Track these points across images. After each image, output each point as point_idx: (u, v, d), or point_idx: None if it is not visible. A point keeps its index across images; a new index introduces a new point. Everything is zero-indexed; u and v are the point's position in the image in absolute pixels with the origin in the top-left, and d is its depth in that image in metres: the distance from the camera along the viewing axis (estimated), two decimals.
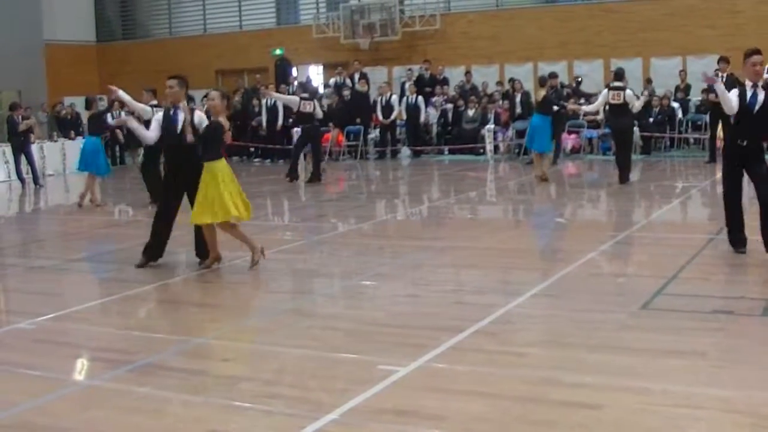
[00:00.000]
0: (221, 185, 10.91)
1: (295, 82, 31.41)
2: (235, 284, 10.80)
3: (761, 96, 10.60)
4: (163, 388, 6.70)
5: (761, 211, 10.63)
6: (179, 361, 7.51)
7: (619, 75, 19.94)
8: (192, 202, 11.37)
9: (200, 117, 11.50)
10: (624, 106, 19.36)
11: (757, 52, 10.67)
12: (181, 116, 11.43)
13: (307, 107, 22.19)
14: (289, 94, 28.77)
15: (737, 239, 10.95)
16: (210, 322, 9.09)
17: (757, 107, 10.61)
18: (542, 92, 20.91)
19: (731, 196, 10.98)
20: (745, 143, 10.67)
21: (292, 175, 22.55)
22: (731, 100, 10.68)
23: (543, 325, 8.38)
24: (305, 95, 22.86)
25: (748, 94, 10.66)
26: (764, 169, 10.68)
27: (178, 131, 11.40)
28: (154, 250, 11.63)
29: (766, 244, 10.57)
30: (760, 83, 10.67)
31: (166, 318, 9.42)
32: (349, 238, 14.23)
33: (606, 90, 19.93)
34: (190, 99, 20.91)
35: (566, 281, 10.02)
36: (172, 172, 11.68)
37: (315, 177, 22.16)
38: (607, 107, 20.61)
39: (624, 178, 19.21)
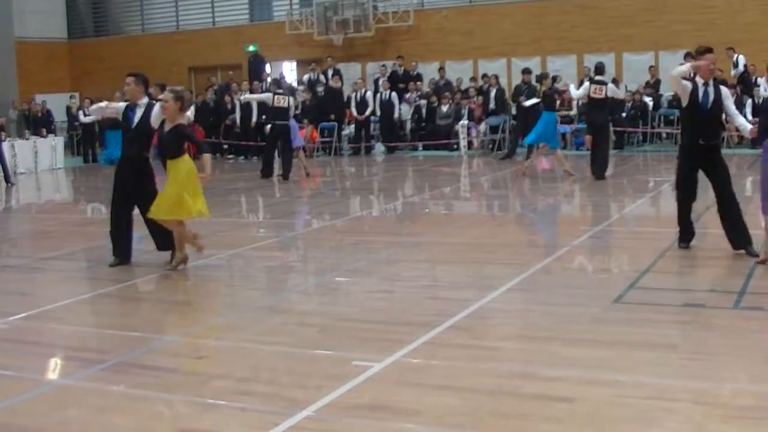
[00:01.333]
0: (181, 183, 10.85)
1: (268, 78, 31.39)
2: (208, 281, 10.77)
3: (712, 94, 10.69)
4: (137, 387, 6.68)
5: (723, 211, 10.72)
6: (152, 360, 7.50)
7: (600, 69, 19.79)
8: (139, 200, 11.39)
9: (158, 112, 11.45)
10: (604, 100, 19.33)
11: (710, 50, 10.77)
12: (137, 113, 11.37)
13: (281, 102, 22.17)
14: (262, 91, 28.76)
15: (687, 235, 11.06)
16: (183, 319, 9.08)
17: (709, 105, 10.68)
18: (542, 88, 20.84)
19: (688, 200, 11.00)
20: (702, 142, 10.73)
21: (265, 171, 22.52)
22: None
23: (517, 320, 8.41)
24: (279, 90, 22.78)
25: (700, 92, 10.70)
26: (724, 169, 10.73)
27: (133, 128, 11.36)
28: (122, 251, 11.60)
29: (733, 242, 10.62)
30: (711, 81, 10.75)
31: (139, 316, 9.38)
32: (324, 234, 14.22)
33: (588, 83, 19.84)
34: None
35: (540, 276, 10.06)
36: (123, 167, 11.56)
37: (284, 175, 22.13)
38: (581, 102, 20.61)
39: (600, 174, 19.14)
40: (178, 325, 8.81)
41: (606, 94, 19.23)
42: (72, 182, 26.33)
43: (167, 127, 11.03)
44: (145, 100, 11.49)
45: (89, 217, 17.88)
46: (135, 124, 11.32)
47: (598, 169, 19.19)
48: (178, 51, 35.40)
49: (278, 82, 24.45)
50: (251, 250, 12.50)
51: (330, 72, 30.14)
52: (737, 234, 10.60)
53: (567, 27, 29.90)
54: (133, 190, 11.38)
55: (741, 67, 25.37)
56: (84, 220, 17.27)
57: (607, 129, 20.59)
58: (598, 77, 19.52)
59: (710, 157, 10.76)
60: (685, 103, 10.87)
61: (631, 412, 5.74)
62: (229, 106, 29.69)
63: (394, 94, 28.79)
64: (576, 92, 20.87)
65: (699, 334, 7.59)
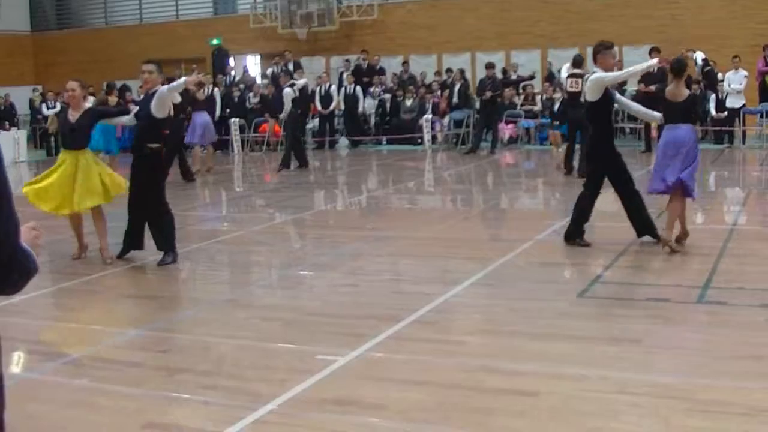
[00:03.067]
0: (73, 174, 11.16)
1: (232, 72, 31.35)
2: (171, 276, 10.72)
3: None
4: (100, 381, 6.65)
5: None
6: (116, 353, 7.46)
7: (578, 62, 18.98)
8: (145, 187, 11.18)
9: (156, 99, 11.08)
10: (580, 94, 18.58)
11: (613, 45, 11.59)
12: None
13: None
14: (225, 85, 28.77)
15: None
16: (146, 313, 9.03)
17: None
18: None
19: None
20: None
21: (303, 162, 22.75)
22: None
23: (481, 314, 8.43)
24: (291, 83, 23.06)
25: None
26: None
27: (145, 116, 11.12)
28: (131, 240, 11.42)
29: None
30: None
31: (102, 310, 9.34)
32: (288, 228, 14.20)
33: (566, 76, 19.23)
34: (126, 89, 20.80)
35: (504, 270, 10.08)
36: (140, 156, 11.25)
37: (284, 164, 22.44)
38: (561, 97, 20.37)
39: (583, 170, 18.67)
40: (141, 319, 8.75)
41: (582, 87, 18.59)
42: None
43: (74, 116, 11.03)
44: (158, 87, 11.27)
45: None
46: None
47: (580, 165, 18.81)
48: (142, 44, 35.13)
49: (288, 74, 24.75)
50: (214, 243, 12.47)
51: (291, 66, 29.99)
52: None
53: (531, 22, 29.95)
54: (147, 185, 11.14)
55: (700, 62, 25.42)
56: (47, 214, 17.11)
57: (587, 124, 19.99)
58: (575, 70, 18.79)
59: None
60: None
61: (596, 406, 5.77)
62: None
63: (358, 88, 28.68)
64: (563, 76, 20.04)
65: (663, 328, 7.63)
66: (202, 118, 22.14)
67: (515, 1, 30.34)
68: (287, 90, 22.70)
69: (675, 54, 11.61)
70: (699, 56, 25.15)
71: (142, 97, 11.33)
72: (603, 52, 11.19)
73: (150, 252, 11.25)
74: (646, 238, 11.11)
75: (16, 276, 3.01)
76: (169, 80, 15.53)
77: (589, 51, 25.66)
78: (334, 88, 28.86)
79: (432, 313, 8.27)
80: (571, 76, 18.71)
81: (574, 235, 11.19)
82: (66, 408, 6.16)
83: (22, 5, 38.78)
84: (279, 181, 20.79)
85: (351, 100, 28.53)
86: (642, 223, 11.17)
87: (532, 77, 26.18)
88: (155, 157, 11.15)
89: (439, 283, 9.65)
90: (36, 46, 38.80)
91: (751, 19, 26.73)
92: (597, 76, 11.05)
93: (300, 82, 23.36)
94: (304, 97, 25.58)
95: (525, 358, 6.83)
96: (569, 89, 18.76)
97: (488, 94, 24.73)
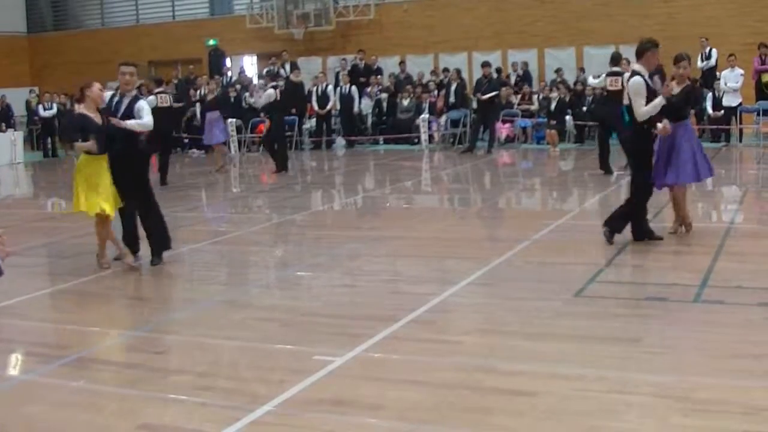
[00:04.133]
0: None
1: (229, 72, 31.37)
2: (168, 276, 10.71)
3: None
4: (97, 382, 6.64)
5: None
6: (113, 355, 7.46)
7: (616, 59, 18.69)
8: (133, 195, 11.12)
9: (139, 106, 11.00)
10: (620, 93, 17.88)
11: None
12: (124, 103, 11.02)
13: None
14: (223, 85, 28.84)
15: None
16: (143, 314, 9.02)
17: None
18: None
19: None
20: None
21: (283, 166, 22.48)
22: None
23: (478, 314, 8.42)
24: (274, 84, 23.00)
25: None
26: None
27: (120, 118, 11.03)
28: (127, 244, 11.31)
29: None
30: None
31: (99, 311, 9.31)
32: (285, 228, 14.19)
33: (604, 75, 18.93)
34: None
35: (501, 270, 10.07)
36: (117, 161, 11.05)
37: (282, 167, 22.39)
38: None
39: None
40: (138, 320, 8.75)
41: (622, 84, 18.06)
42: (32, 177, 26.12)
43: (97, 117, 10.85)
44: (134, 92, 11.21)
45: (49, 212, 17.73)
46: (121, 114, 10.91)
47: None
48: (138, 45, 35.13)
49: (272, 76, 24.69)
50: (212, 244, 12.45)
51: (287, 66, 29.96)
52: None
53: (528, 21, 29.93)
54: (126, 186, 11.02)
55: (713, 62, 25.40)
56: (44, 215, 17.13)
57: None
58: (614, 68, 18.40)
59: None
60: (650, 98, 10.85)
61: (593, 406, 5.76)
62: (193, 100, 29.46)
63: (353, 88, 28.64)
64: (591, 81, 20.43)
65: (660, 327, 7.62)
66: (213, 116, 22.33)
67: (512, 0, 30.33)
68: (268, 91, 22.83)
69: (673, 52, 11.60)
70: (714, 53, 25.03)
71: (118, 98, 11.12)
72: (652, 49, 10.90)
73: (147, 254, 11.23)
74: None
75: None
76: (157, 81, 15.45)
77: (586, 50, 25.37)
78: (330, 88, 28.78)
79: (429, 313, 8.26)
80: (610, 74, 18.34)
81: (617, 228, 11.07)
82: (63, 409, 6.15)
83: (18, 6, 38.75)
84: (276, 181, 20.76)
85: (347, 100, 28.49)
86: (643, 230, 11.14)
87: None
88: (136, 157, 11.13)
89: (437, 282, 9.64)
90: (32, 47, 38.78)
91: (748, 17, 26.74)
92: (638, 89, 10.77)
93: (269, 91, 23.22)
94: (293, 98, 25.71)
95: (523, 357, 6.82)
96: (609, 87, 18.34)
97: (479, 96, 24.79)
